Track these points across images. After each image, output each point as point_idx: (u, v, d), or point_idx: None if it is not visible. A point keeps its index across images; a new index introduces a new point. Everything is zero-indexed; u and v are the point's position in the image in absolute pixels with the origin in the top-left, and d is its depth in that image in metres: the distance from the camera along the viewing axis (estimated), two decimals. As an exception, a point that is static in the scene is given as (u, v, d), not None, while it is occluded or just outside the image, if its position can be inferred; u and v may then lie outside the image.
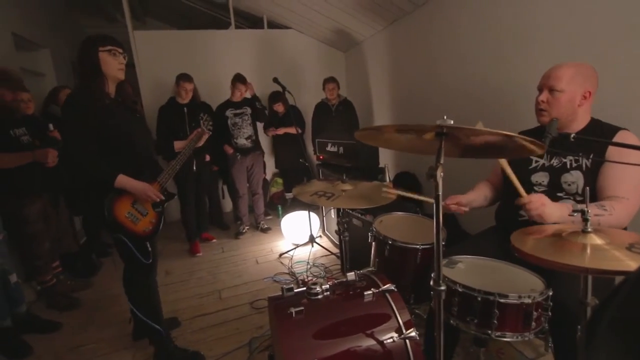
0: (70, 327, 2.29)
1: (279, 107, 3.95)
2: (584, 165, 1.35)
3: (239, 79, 3.47)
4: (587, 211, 0.95)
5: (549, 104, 1.37)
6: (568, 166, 1.38)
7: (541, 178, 1.44)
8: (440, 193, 0.95)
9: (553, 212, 1.20)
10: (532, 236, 1.05)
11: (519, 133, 1.58)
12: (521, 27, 2.17)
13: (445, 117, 0.93)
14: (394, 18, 3.48)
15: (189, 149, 2.03)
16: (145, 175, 1.75)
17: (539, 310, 1.12)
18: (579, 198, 1.35)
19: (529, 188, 1.46)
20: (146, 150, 1.83)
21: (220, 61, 4.29)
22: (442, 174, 0.92)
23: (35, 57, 3.75)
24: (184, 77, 3.22)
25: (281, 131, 3.95)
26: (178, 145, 2.15)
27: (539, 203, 1.20)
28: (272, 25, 4.64)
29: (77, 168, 1.62)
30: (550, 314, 1.12)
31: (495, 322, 1.10)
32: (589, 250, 0.87)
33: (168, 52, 4.16)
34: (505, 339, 1.12)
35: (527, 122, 1.61)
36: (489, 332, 1.12)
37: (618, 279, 1.10)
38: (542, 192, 1.42)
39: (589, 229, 0.93)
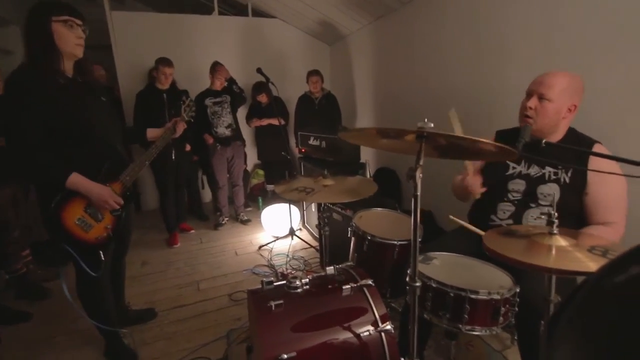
0: (41, 317, 2.23)
1: (263, 98, 3.92)
2: (562, 179, 1.37)
3: (217, 64, 3.41)
4: (554, 214, 1.01)
5: (536, 110, 1.36)
6: (546, 177, 1.41)
7: (517, 186, 1.47)
8: (419, 193, 0.98)
9: None
10: (504, 236, 1.11)
11: (497, 132, 1.65)
12: (503, 30, 2.23)
13: (426, 120, 0.96)
14: (380, 14, 3.49)
15: (164, 141, 1.80)
16: (105, 169, 1.53)
17: (507, 305, 1.18)
18: (549, 210, 1.37)
19: (504, 194, 1.50)
20: (109, 139, 1.58)
21: (202, 48, 4.20)
22: (421, 175, 0.96)
23: (4, 33, 3.55)
24: (163, 62, 3.12)
25: (264, 122, 3.93)
26: (151, 133, 1.91)
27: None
28: (257, 13, 4.56)
29: (20, 163, 1.36)
30: (517, 309, 1.19)
31: (466, 316, 1.16)
32: (554, 251, 0.93)
33: (147, 36, 4.03)
34: (474, 333, 1.18)
35: (507, 123, 1.66)
36: (460, 326, 1.17)
37: (579, 279, 1.17)
38: (516, 200, 1.47)
39: (555, 231, 0.99)
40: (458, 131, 1.34)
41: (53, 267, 2.84)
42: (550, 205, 1.36)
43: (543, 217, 1.38)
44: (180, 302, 2.35)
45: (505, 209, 1.50)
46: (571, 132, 1.43)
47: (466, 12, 2.50)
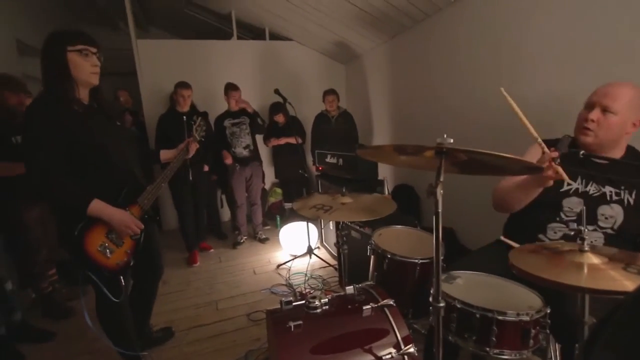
0: (65, 336, 2.27)
1: (280, 118, 3.99)
2: (625, 200, 1.26)
3: (230, 87, 3.49)
4: (585, 230, 0.96)
5: (598, 124, 1.25)
6: (608, 197, 1.29)
7: (574, 205, 1.35)
8: (440, 210, 0.96)
9: None
10: (531, 253, 1.06)
11: (549, 141, 1.50)
12: (518, 44, 2.22)
13: (445, 136, 0.95)
14: (394, 33, 3.54)
15: (178, 162, 1.82)
16: (124, 194, 1.54)
17: (537, 327, 1.12)
18: (611, 232, 1.28)
19: (556, 214, 1.38)
20: (126, 164, 1.60)
21: (222, 72, 4.34)
22: (442, 191, 0.94)
23: (35, 63, 3.76)
24: (181, 85, 3.24)
25: (282, 141, 3.98)
26: (165, 155, 1.92)
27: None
28: (274, 37, 4.71)
29: (41, 192, 1.35)
30: (548, 332, 1.13)
31: (494, 339, 1.10)
32: (585, 270, 0.88)
33: (170, 62, 4.21)
34: (503, 357, 1.12)
35: (528, 139, 1.61)
36: (487, 349, 1.12)
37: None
38: (572, 219, 1.35)
39: (586, 248, 0.94)
40: (515, 108, 1.23)
41: (77, 286, 2.90)
42: (612, 228, 1.28)
43: (572, 233, 1.33)
44: (199, 321, 2.35)
45: (557, 229, 1.38)
46: (630, 150, 1.33)
47: (480, 28, 2.50)
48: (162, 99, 4.11)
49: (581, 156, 1.19)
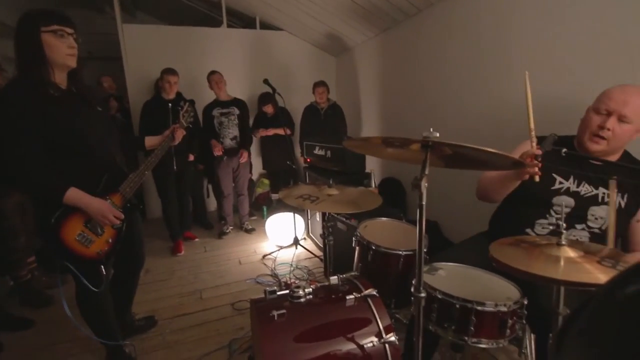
0: (43, 324, 2.23)
1: (269, 109, 3.95)
2: (617, 203, 1.26)
3: (210, 73, 3.47)
4: (563, 224, 0.99)
5: (614, 132, 1.22)
6: (600, 199, 1.30)
7: (565, 202, 1.34)
8: (424, 202, 0.98)
9: None
10: (510, 246, 1.09)
11: (538, 138, 1.55)
12: (507, 41, 2.24)
13: (431, 130, 0.96)
14: (386, 26, 3.53)
15: (163, 149, 1.77)
16: (104, 181, 1.50)
17: (514, 318, 1.16)
18: (598, 231, 1.31)
19: (546, 210, 1.39)
20: (106, 151, 1.55)
21: (210, 60, 4.26)
22: (426, 184, 0.95)
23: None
24: (167, 71, 3.17)
25: (270, 132, 3.95)
26: (150, 142, 1.86)
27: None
28: (265, 26, 4.64)
29: (15, 180, 1.31)
30: (524, 322, 1.17)
31: (472, 328, 1.13)
32: (562, 263, 0.91)
33: (157, 48, 4.11)
34: (481, 345, 1.15)
35: (515, 133, 1.61)
36: (466, 338, 1.15)
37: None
38: (559, 219, 1.37)
39: (563, 242, 0.97)
40: (529, 96, 1.21)
41: (57, 274, 2.85)
42: (600, 229, 1.30)
43: (551, 227, 1.37)
44: (183, 311, 2.34)
45: (545, 225, 1.40)
46: (626, 155, 1.34)
47: (471, 24, 2.52)
48: (148, 85, 4.02)
49: (563, 154, 1.22)
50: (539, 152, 1.19)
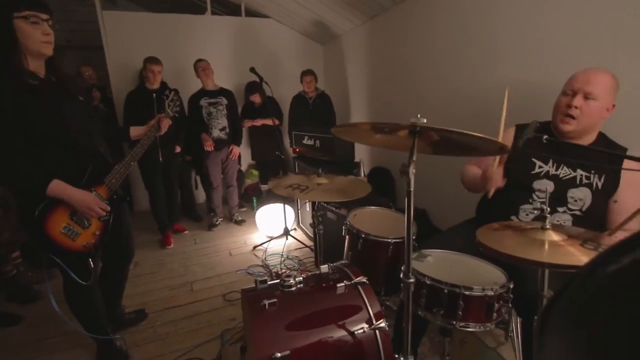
0: (31, 320, 2.20)
1: (256, 98, 3.90)
2: (594, 184, 1.31)
3: (198, 60, 3.42)
4: (547, 209, 1.01)
5: (581, 110, 1.29)
6: (578, 181, 1.34)
7: (544, 186, 1.38)
8: (412, 189, 0.98)
9: None
10: (497, 231, 1.11)
11: (517, 126, 1.55)
12: (495, 27, 2.25)
13: (419, 116, 0.96)
14: (373, 14, 3.50)
15: (148, 139, 1.72)
16: (89, 173, 1.46)
17: (500, 302, 1.19)
18: (578, 213, 1.34)
19: (528, 195, 1.42)
20: (89, 142, 1.51)
21: (195, 48, 4.17)
22: (414, 170, 0.95)
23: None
24: (151, 60, 3.09)
25: (258, 122, 3.91)
26: (135, 132, 1.81)
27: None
28: (250, 13, 4.54)
29: None
30: (510, 305, 1.20)
31: (460, 313, 1.16)
32: (546, 246, 0.93)
33: (139, 36, 3.99)
34: (468, 329, 1.18)
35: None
36: (454, 322, 1.17)
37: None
38: (543, 201, 1.42)
39: (548, 226, 0.99)
40: (503, 113, 1.31)
41: (43, 269, 2.79)
42: (580, 210, 1.33)
43: (535, 212, 1.40)
44: (173, 303, 2.33)
45: (529, 211, 1.43)
46: (602, 137, 1.38)
47: (458, 10, 2.51)
48: (131, 75, 3.92)
49: (544, 141, 1.23)
50: (500, 184, 1.35)
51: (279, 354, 1.07)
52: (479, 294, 1.15)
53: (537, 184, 1.41)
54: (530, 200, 1.41)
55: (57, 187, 1.34)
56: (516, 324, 1.53)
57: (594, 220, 1.33)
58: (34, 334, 2.06)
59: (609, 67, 1.58)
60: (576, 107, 1.29)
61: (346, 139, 1.27)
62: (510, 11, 2.12)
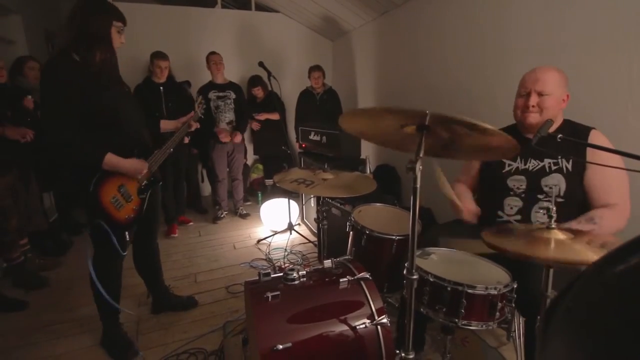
0: (37, 306, 2.23)
1: (258, 92, 3.89)
2: (564, 168, 1.38)
3: (212, 53, 3.42)
4: (552, 208, 1.00)
5: (539, 107, 1.40)
6: (547, 169, 1.41)
7: (518, 182, 1.47)
8: (418, 186, 0.98)
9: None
10: (502, 232, 1.10)
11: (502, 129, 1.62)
12: (507, 25, 2.22)
13: (428, 112, 0.95)
14: (384, 10, 3.47)
15: (182, 132, 1.96)
16: (136, 155, 1.65)
17: (504, 301, 1.18)
18: (559, 199, 1.38)
19: (505, 193, 1.49)
20: (136, 129, 1.70)
21: (204, 41, 4.18)
22: (421, 167, 0.95)
23: (5, 22, 3.53)
24: (157, 55, 3.10)
25: (262, 117, 3.91)
26: (165, 125, 2.03)
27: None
28: (260, 7, 4.54)
29: (56, 147, 1.45)
30: (513, 305, 1.19)
31: (463, 311, 1.15)
32: (552, 244, 0.93)
33: (149, 29, 4.01)
34: (470, 328, 1.18)
35: (510, 115, 1.63)
36: (456, 320, 1.17)
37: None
38: (522, 192, 1.46)
39: (553, 226, 0.99)
40: (445, 186, 1.41)
41: (52, 257, 2.84)
42: (559, 195, 1.38)
43: (541, 211, 1.39)
44: (177, 293, 2.34)
45: (512, 204, 1.49)
46: (566, 123, 1.46)
47: (469, 7, 2.48)
48: (140, 67, 3.92)
49: (559, 140, 1.23)
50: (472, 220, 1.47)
51: (280, 346, 1.08)
52: (482, 292, 1.15)
53: (510, 181, 1.49)
54: (512, 193, 1.48)
55: (111, 159, 1.52)
56: (519, 324, 1.53)
57: (576, 202, 1.38)
58: (40, 320, 2.09)
59: (624, 67, 1.57)
60: (533, 106, 1.40)
61: (352, 132, 1.25)
62: (521, 8, 2.10)
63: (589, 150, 1.34)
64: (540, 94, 1.39)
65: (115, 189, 1.60)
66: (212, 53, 3.42)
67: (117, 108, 1.58)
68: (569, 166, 1.38)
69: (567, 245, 0.91)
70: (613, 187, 1.32)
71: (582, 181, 1.37)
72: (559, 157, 1.39)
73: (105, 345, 1.84)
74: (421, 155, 0.95)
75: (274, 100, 3.50)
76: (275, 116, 3.79)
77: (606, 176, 1.31)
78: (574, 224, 1.27)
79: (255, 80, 3.86)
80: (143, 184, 1.72)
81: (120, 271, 1.81)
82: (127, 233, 1.67)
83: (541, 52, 1.99)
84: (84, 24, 1.47)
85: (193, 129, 2.07)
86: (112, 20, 1.52)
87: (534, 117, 1.42)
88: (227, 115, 3.48)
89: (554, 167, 1.40)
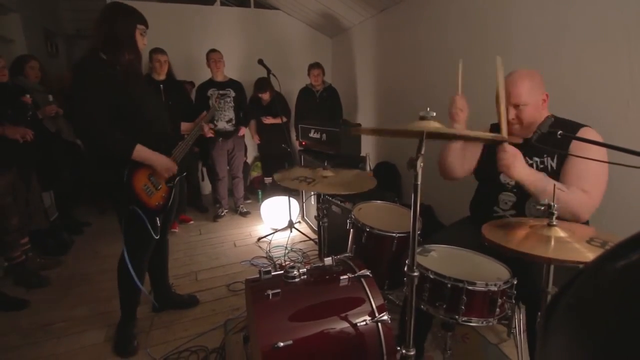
0: (39, 305, 2.23)
1: (265, 95, 3.88)
2: (549, 167, 1.39)
3: (212, 51, 3.41)
4: (554, 205, 1.00)
5: (518, 118, 1.40)
6: (534, 168, 1.41)
7: (508, 179, 1.48)
8: (419, 182, 0.98)
9: (521, 169, 1.25)
10: (502, 228, 1.10)
11: (491, 125, 1.63)
12: (506, 22, 2.21)
13: (428, 109, 0.95)
14: (383, 7, 3.46)
15: (197, 132, 2.05)
16: (163, 149, 1.72)
17: (504, 297, 1.19)
18: (548, 201, 1.37)
19: (499, 188, 1.51)
20: (161, 124, 1.79)
21: (203, 39, 4.16)
22: (422, 164, 0.95)
23: (4, 21, 3.52)
24: (156, 50, 3.10)
25: (268, 120, 3.91)
26: (185, 127, 2.14)
27: (511, 153, 1.24)
28: (259, 5, 4.52)
29: (89, 138, 1.56)
30: (514, 301, 1.19)
31: (463, 307, 1.16)
32: (552, 242, 0.93)
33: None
34: (471, 324, 1.18)
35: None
36: (457, 316, 1.17)
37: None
38: (514, 187, 1.47)
39: (554, 223, 0.99)
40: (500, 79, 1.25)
41: (53, 256, 2.84)
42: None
43: (542, 208, 1.39)
44: (178, 291, 2.35)
45: (507, 200, 1.50)
46: (557, 120, 1.43)
47: (471, 4, 2.47)
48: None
49: (559, 136, 1.23)
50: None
51: (281, 344, 1.09)
52: (482, 289, 1.15)
53: (503, 177, 1.50)
54: (505, 190, 1.50)
55: (142, 151, 1.60)
56: (519, 321, 1.53)
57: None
58: (41, 319, 2.10)
59: (624, 64, 1.57)
60: (513, 119, 1.39)
61: (358, 132, 1.26)
62: (522, 5, 2.09)
63: (573, 144, 1.31)
64: (516, 106, 1.38)
65: (145, 177, 1.68)
66: (212, 51, 3.41)
67: (143, 104, 1.67)
68: (554, 165, 1.38)
69: (567, 244, 0.91)
70: (590, 176, 1.29)
71: (561, 171, 1.35)
72: (545, 155, 1.39)
73: (116, 338, 1.86)
74: (422, 152, 0.95)
75: (279, 104, 3.50)
76: (278, 120, 3.81)
77: (586, 167, 1.28)
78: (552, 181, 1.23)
79: (262, 84, 3.81)
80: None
81: (148, 258, 1.87)
82: (157, 219, 1.75)
83: (542, 49, 1.98)
84: (111, 28, 1.57)
85: (206, 129, 2.17)
86: (136, 24, 1.63)
87: (515, 129, 1.42)
88: (227, 114, 3.47)
89: (540, 166, 1.40)
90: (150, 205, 1.70)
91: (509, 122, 1.37)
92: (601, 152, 1.25)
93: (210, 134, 3.28)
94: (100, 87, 1.50)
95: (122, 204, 1.67)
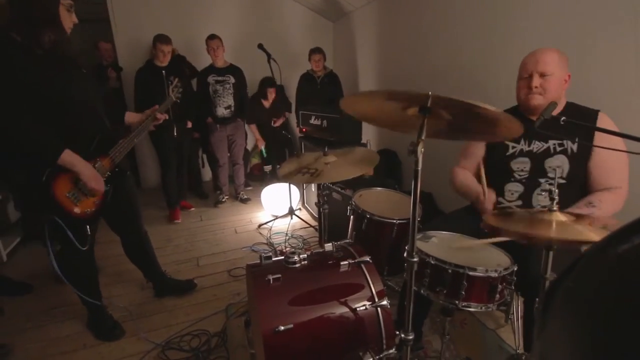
0: (42, 289, 2.26)
1: (271, 94, 3.83)
2: (569, 150, 1.38)
3: (211, 37, 3.33)
4: (555, 191, 0.99)
5: (543, 87, 1.38)
6: (552, 151, 1.40)
7: (522, 164, 1.46)
8: (420, 168, 0.97)
9: None
10: (503, 216, 1.10)
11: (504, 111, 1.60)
12: (510, 7, 2.16)
13: (430, 93, 0.93)
14: (386, -10, 3.39)
15: (146, 126, 1.82)
16: (97, 142, 1.53)
17: (504, 283, 1.19)
18: (561, 181, 1.38)
19: (509, 175, 1.49)
20: (95, 112, 1.56)
21: (204, 23, 4.09)
22: (422, 149, 0.94)
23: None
24: (161, 39, 3.03)
25: (278, 123, 3.91)
26: (129, 118, 1.88)
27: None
28: (260, -12, 4.42)
29: (10, 134, 1.31)
30: (513, 287, 1.20)
31: (463, 293, 1.16)
32: (554, 225, 0.93)
33: (148, 9, 3.92)
34: (470, 309, 1.19)
35: (511, 103, 1.62)
36: (456, 302, 1.18)
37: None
38: (524, 178, 1.45)
39: (555, 208, 0.98)
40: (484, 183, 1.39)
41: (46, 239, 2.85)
42: (562, 177, 1.38)
43: (543, 193, 1.39)
44: (179, 277, 2.36)
45: (513, 190, 1.49)
46: (570, 105, 1.45)
47: (475, -12, 2.41)
48: (139, 50, 3.87)
49: (562, 123, 1.21)
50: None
51: (282, 327, 1.10)
52: (483, 275, 1.15)
53: (514, 164, 1.48)
54: (512, 179, 1.48)
55: (69, 157, 1.40)
56: (517, 307, 1.54)
57: (577, 184, 1.38)
58: (45, 303, 2.13)
59: (631, 50, 1.54)
60: (536, 87, 1.38)
61: (353, 114, 1.23)
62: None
63: (597, 133, 1.32)
64: (542, 75, 1.37)
65: (71, 182, 1.47)
66: (211, 38, 3.33)
67: (71, 93, 1.45)
68: (574, 148, 1.37)
69: (569, 226, 0.91)
70: (616, 171, 1.32)
71: (587, 163, 1.36)
72: (564, 139, 1.38)
73: (92, 328, 1.88)
74: (423, 137, 0.94)
75: (281, 100, 3.47)
76: (284, 118, 3.89)
77: (610, 159, 1.30)
78: (573, 210, 1.26)
79: (268, 82, 3.76)
80: (106, 175, 1.58)
81: (91, 263, 1.76)
82: (87, 228, 1.56)
83: (548, 34, 1.95)
84: (26, 5, 1.32)
85: (161, 121, 1.89)
86: None
87: (537, 99, 1.40)
88: (226, 100, 3.43)
89: (559, 149, 1.39)
90: (76, 214, 1.49)
91: (532, 90, 1.39)
92: (620, 140, 1.24)
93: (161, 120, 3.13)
94: (12, 74, 1.28)
95: (36, 211, 1.48)
